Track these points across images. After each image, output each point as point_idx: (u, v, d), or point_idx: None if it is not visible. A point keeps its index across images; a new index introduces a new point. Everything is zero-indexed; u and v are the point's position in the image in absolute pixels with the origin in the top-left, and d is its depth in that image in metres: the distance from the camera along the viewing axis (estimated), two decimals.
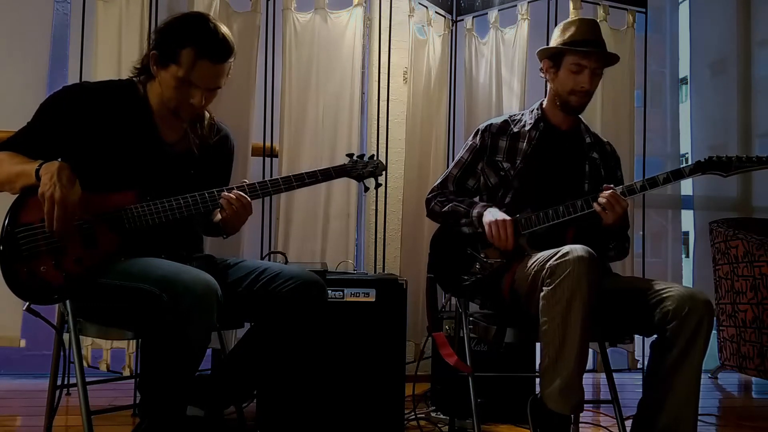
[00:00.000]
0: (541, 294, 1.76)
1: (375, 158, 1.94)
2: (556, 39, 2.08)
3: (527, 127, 2.12)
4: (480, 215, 2.01)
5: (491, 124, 2.17)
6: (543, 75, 2.14)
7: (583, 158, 2.12)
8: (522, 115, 2.19)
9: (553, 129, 2.13)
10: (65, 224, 1.60)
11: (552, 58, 2.08)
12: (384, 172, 1.97)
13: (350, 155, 1.93)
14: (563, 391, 1.73)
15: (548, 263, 1.76)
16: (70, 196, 1.59)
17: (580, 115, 2.15)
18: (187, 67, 1.68)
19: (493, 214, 1.98)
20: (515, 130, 2.13)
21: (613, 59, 2.07)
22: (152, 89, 1.78)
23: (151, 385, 1.57)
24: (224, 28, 1.73)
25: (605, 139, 2.23)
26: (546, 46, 2.11)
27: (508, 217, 1.96)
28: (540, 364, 1.80)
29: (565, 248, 1.75)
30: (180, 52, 1.68)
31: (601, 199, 1.91)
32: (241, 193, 1.76)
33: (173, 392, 1.56)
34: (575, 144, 2.13)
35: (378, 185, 1.97)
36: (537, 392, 1.82)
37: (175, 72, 1.69)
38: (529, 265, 1.86)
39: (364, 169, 1.91)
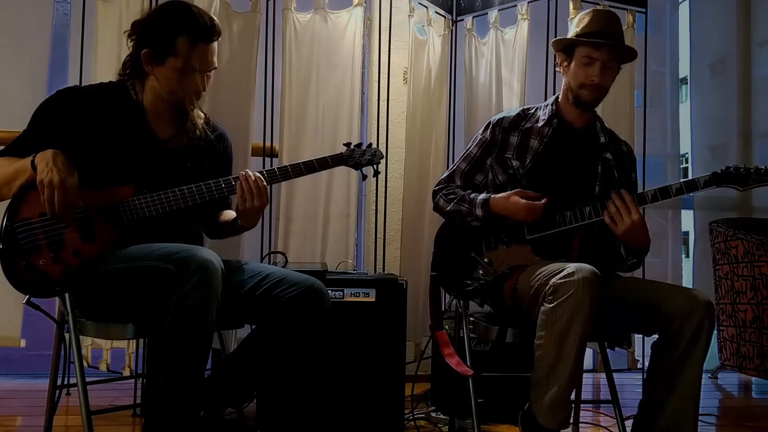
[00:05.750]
0: (542, 309, 1.73)
1: (372, 146, 1.94)
2: (571, 31, 2.03)
3: (540, 124, 2.06)
4: (486, 215, 1.98)
5: (503, 118, 2.10)
6: (558, 69, 2.09)
7: (596, 158, 2.05)
8: (536, 109, 2.12)
9: (567, 126, 2.06)
10: (66, 207, 1.61)
11: (565, 50, 2.03)
12: (383, 161, 1.98)
13: (347, 144, 1.93)
14: (552, 406, 1.72)
15: (552, 280, 1.72)
16: (68, 179, 1.61)
17: (596, 112, 2.10)
18: (185, 55, 1.71)
19: (503, 207, 1.95)
20: (528, 125, 2.07)
21: (628, 53, 2.02)
22: (145, 87, 1.80)
23: (163, 373, 1.54)
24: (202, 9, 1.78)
25: (622, 138, 2.17)
26: (560, 38, 2.06)
27: (518, 200, 1.93)
28: (532, 374, 1.78)
29: (571, 267, 1.71)
30: (175, 42, 1.70)
31: (611, 208, 1.88)
32: (259, 175, 1.78)
33: (186, 379, 1.54)
34: (589, 143, 2.07)
35: (377, 173, 1.97)
36: (527, 404, 1.81)
37: (174, 63, 1.72)
38: (532, 277, 1.83)
39: (361, 157, 1.92)
